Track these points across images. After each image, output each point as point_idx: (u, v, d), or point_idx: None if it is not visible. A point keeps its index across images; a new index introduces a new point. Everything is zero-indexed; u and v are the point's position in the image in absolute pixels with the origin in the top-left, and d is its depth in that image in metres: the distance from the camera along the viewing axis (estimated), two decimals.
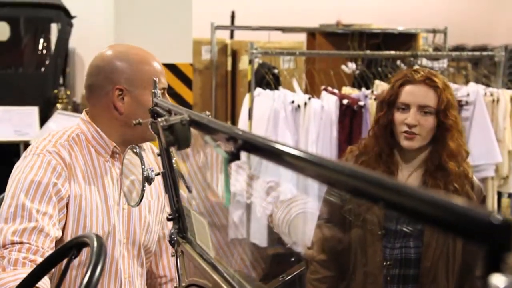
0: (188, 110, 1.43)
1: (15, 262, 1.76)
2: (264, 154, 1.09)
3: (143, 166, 1.70)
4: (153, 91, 1.83)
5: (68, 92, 6.36)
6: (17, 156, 5.54)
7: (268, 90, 4.31)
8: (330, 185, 0.91)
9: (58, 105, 6.08)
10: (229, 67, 5.42)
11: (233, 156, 1.14)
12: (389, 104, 2.27)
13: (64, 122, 5.38)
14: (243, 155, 1.14)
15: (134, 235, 2.05)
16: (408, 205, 0.67)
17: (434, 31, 5.49)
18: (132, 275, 2.05)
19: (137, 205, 1.80)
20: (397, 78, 2.29)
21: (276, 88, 4.42)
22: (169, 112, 1.57)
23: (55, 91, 6.18)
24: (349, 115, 4.24)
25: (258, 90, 4.30)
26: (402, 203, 0.68)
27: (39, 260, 1.76)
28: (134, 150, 1.78)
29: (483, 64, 5.13)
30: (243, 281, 1.44)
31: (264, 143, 1.06)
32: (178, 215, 1.74)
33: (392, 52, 4.65)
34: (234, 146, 1.14)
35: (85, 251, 1.93)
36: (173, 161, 1.73)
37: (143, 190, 1.71)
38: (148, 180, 1.70)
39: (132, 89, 1.97)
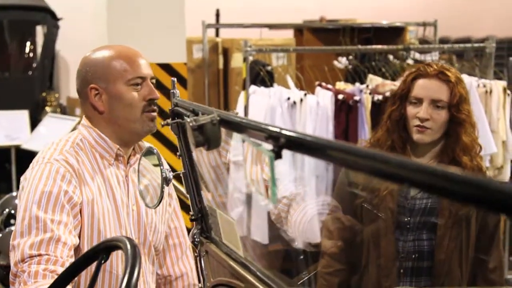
0: (217, 109, 1.42)
1: (35, 275, 1.75)
2: (309, 150, 1.09)
3: (161, 167, 1.69)
4: (172, 91, 1.82)
5: (57, 95, 6.32)
6: (9, 161, 5.50)
7: (263, 88, 4.30)
8: (383, 178, 0.92)
9: (47, 108, 6.04)
10: (221, 65, 5.40)
11: (276, 155, 1.13)
12: (401, 98, 2.27)
13: (55, 125, 5.35)
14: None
15: (145, 235, 2.06)
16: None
17: (424, 24, 5.50)
18: (146, 274, 2.08)
19: (156, 207, 1.79)
20: (410, 72, 2.29)
21: (271, 85, 4.40)
22: (193, 112, 1.56)
23: (44, 94, 6.13)
24: (345, 110, 4.25)
25: (253, 87, 4.29)
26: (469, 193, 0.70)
27: (60, 270, 1.75)
28: (152, 151, 1.77)
29: (469, 56, 5.15)
30: (275, 278, 1.44)
31: (310, 140, 1.06)
32: (201, 215, 1.74)
33: (385, 47, 4.64)
34: (275, 144, 1.14)
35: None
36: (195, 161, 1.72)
37: (162, 191, 1.70)
38: (166, 181, 1.69)
39: (105, 85, 1.97)
